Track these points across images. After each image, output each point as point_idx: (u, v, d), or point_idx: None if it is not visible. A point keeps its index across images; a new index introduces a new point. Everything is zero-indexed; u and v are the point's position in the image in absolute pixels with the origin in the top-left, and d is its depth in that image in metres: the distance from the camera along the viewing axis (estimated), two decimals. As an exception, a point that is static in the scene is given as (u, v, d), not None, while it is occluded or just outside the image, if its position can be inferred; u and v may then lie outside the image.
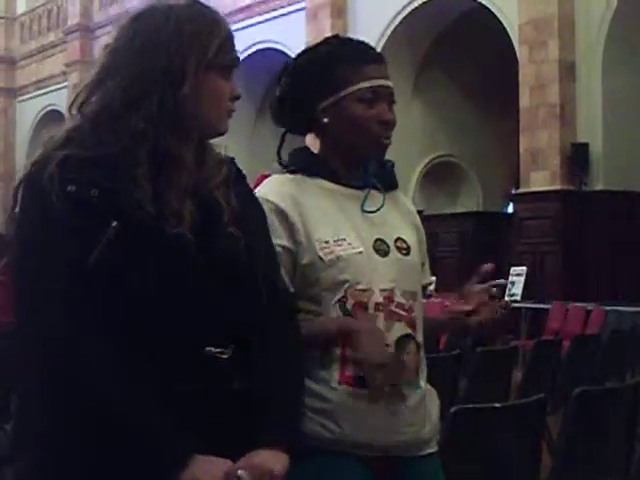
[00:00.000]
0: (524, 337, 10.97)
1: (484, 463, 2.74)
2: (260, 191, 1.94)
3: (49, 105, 23.10)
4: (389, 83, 2.02)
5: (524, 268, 12.51)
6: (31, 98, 24.01)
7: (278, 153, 2.08)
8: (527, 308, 11.78)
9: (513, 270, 12.70)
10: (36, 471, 1.55)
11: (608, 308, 10.37)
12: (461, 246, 15.16)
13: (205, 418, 1.52)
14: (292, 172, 2.02)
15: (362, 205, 1.99)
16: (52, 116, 22.41)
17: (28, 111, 23.97)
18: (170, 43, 1.60)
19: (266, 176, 2.05)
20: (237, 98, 1.70)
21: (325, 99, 1.99)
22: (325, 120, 1.99)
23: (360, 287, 1.90)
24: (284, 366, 1.65)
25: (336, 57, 2.00)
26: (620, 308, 10.25)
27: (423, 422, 1.95)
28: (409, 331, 1.94)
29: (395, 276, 1.95)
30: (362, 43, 2.07)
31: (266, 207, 1.87)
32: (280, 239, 1.89)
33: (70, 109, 1.64)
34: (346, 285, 1.90)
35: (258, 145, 16.64)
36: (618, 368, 6.65)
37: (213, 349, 1.56)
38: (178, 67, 1.59)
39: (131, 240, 1.51)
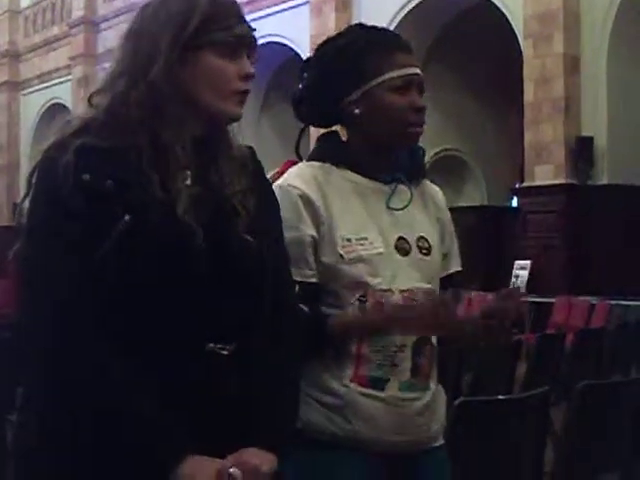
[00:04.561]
0: (528, 331, 10.96)
1: (488, 456, 2.74)
2: (287, 178, 1.91)
3: (53, 98, 23.11)
4: (419, 71, 1.95)
5: (528, 262, 12.50)
6: (35, 91, 24.00)
7: (296, 149, 2.03)
8: (531, 302, 11.77)
9: (517, 264, 12.71)
10: (33, 465, 1.53)
11: (613, 302, 10.35)
12: (466, 240, 15.05)
13: (201, 414, 1.51)
14: (319, 160, 1.96)
15: (387, 202, 1.94)
16: (56, 109, 22.43)
17: (32, 104, 23.98)
18: (151, 27, 1.58)
19: (293, 162, 2.00)
20: (249, 76, 1.62)
21: (355, 89, 1.92)
22: (356, 111, 1.93)
23: (380, 287, 1.88)
24: (282, 369, 1.63)
25: (365, 46, 1.93)
26: (625, 302, 10.23)
27: (431, 422, 1.94)
28: None
29: (415, 275, 1.92)
30: (388, 31, 2.01)
31: (294, 194, 1.85)
32: (308, 228, 1.86)
33: (88, 100, 1.62)
34: (365, 285, 1.87)
35: (262, 139, 16.62)
36: (623, 362, 6.65)
37: (214, 345, 1.54)
38: (156, 50, 1.56)
39: (140, 234, 1.49)
